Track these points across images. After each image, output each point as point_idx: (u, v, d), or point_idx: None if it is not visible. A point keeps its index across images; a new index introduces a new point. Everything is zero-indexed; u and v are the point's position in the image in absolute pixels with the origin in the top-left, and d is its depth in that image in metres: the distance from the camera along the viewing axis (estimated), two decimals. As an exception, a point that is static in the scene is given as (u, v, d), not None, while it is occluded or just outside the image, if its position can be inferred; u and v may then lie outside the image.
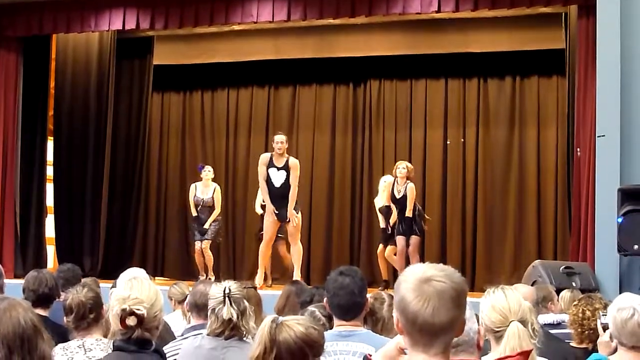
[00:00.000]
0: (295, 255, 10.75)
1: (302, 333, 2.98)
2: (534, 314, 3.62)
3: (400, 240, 10.86)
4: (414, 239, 10.80)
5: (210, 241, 11.74)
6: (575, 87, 10.24)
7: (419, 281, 2.21)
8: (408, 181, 10.87)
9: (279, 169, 10.46)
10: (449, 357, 2.25)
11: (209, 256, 11.74)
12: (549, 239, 12.56)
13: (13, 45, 12.42)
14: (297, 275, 10.29)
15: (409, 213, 10.74)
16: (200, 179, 11.86)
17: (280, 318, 3.04)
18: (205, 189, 11.76)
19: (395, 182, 10.91)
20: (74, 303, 4.20)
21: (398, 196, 10.83)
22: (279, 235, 11.14)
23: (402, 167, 10.92)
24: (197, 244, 11.75)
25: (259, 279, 10.64)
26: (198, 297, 4.54)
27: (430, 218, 11.57)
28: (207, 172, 11.80)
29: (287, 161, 10.46)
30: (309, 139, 13.88)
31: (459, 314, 2.23)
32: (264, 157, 10.62)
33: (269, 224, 10.61)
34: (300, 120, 14.00)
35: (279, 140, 10.48)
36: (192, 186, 11.94)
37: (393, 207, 10.97)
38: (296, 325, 3.00)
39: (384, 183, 11.46)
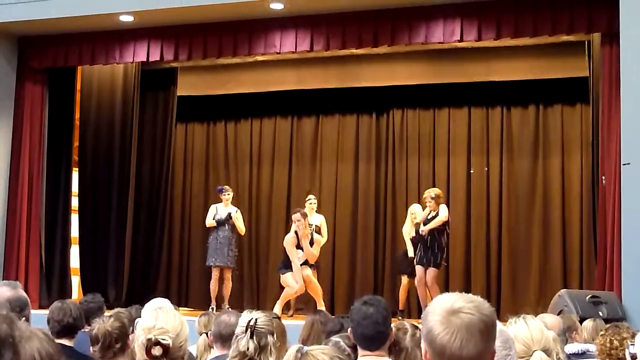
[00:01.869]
0: (312, 293, 11.05)
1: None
2: (559, 343, 3.58)
3: (419, 270, 10.87)
4: (431, 271, 10.77)
5: (231, 270, 11.80)
6: (600, 115, 10.19)
7: (447, 313, 2.19)
8: (440, 205, 10.89)
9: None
10: None
11: (229, 286, 11.82)
12: (574, 267, 12.46)
13: (39, 77, 12.55)
14: (320, 306, 10.28)
15: (436, 222, 10.78)
16: (220, 201, 12.01)
17: (305, 348, 3.03)
18: (225, 208, 11.88)
19: (430, 211, 10.92)
20: (100, 333, 4.21)
21: (429, 217, 10.87)
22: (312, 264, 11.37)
23: (429, 199, 10.95)
24: (215, 272, 11.82)
25: (277, 310, 10.61)
26: (223, 327, 4.52)
27: (445, 264, 11.51)
28: (227, 194, 12.01)
29: (311, 238, 10.99)
30: (332, 169, 13.90)
31: (487, 346, 2.21)
32: (291, 239, 10.98)
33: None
34: (323, 150, 14.02)
35: (294, 219, 10.96)
36: (212, 207, 12.20)
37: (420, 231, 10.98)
38: (321, 354, 2.98)
39: (413, 212, 11.46)
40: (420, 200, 11.95)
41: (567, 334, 5.76)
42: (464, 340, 2.15)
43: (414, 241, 11.34)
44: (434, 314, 2.22)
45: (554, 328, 5.20)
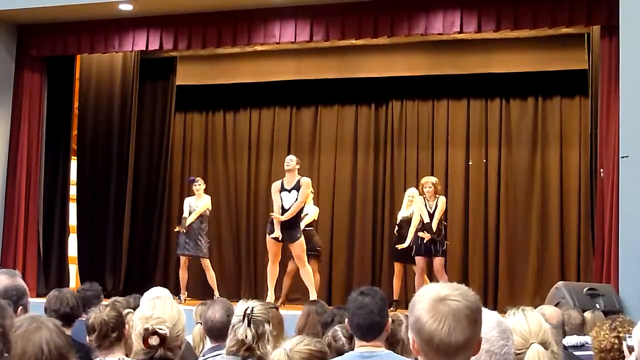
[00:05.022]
0: (304, 277, 10.65)
1: (311, 349, 3.31)
2: (556, 336, 3.57)
3: (419, 261, 10.86)
4: (438, 260, 10.78)
5: (208, 259, 11.84)
6: (598, 108, 10.19)
7: (433, 301, 2.23)
8: (437, 196, 10.88)
9: (289, 190, 10.48)
10: None
11: (212, 275, 11.90)
12: (572, 260, 12.48)
13: (38, 66, 12.53)
14: (312, 296, 10.23)
15: (434, 225, 10.74)
16: (193, 193, 12.09)
17: (287, 347, 3.33)
18: (198, 201, 11.91)
19: (426, 201, 10.91)
20: (96, 322, 4.21)
21: (431, 211, 10.86)
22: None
23: (429, 185, 10.89)
24: (183, 260, 11.94)
25: (268, 299, 10.57)
26: (210, 324, 4.54)
27: (448, 243, 11.42)
28: (199, 185, 12.01)
29: (298, 181, 10.47)
30: (330, 159, 13.89)
31: (475, 332, 2.24)
32: (275, 185, 10.69)
33: (271, 244, 10.58)
34: (322, 141, 14.02)
35: (287, 160, 10.57)
36: (185, 200, 12.17)
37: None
38: (303, 347, 3.31)
39: (412, 195, 11.46)
40: (418, 188, 11.98)
41: (566, 326, 5.74)
42: (452, 326, 2.19)
43: (403, 226, 11.43)
44: (421, 303, 2.25)
45: (553, 319, 5.21)
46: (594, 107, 10.66)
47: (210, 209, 12.15)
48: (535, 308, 3.49)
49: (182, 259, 11.98)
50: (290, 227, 10.39)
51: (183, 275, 11.99)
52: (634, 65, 9.16)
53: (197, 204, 11.93)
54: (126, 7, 11.48)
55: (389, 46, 12.61)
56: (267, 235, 10.56)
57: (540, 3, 10.28)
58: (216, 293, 11.63)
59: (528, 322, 3.35)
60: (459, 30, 10.60)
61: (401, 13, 10.79)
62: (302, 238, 10.53)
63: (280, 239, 10.35)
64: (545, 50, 12.30)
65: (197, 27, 11.61)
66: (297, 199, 10.36)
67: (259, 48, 12.61)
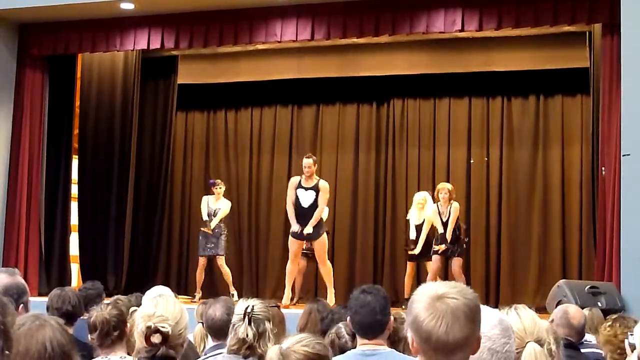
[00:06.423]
0: (325, 275, 10.87)
1: (308, 351, 3.12)
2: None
3: (436, 260, 10.95)
4: (456, 261, 10.90)
5: (224, 257, 11.84)
6: (600, 106, 10.17)
7: (431, 299, 2.22)
8: (451, 202, 10.97)
9: (307, 189, 10.53)
10: None
11: (227, 272, 11.91)
12: (573, 258, 12.47)
13: (39, 65, 12.52)
14: (330, 294, 10.52)
15: (449, 234, 10.89)
16: (212, 193, 12.11)
17: (284, 346, 3.15)
18: (217, 202, 11.96)
19: (439, 206, 11.01)
20: (98, 320, 4.21)
21: (444, 219, 11.00)
22: (307, 251, 11.22)
23: (445, 192, 11.06)
24: (202, 260, 11.95)
25: (285, 298, 10.65)
26: (210, 322, 4.55)
27: (466, 240, 11.56)
28: (219, 189, 12.07)
29: (317, 183, 10.56)
30: (332, 158, 13.88)
31: (473, 330, 2.24)
32: (293, 181, 10.76)
33: (292, 242, 10.68)
34: (323, 140, 14.01)
35: (306, 164, 10.61)
36: (204, 198, 12.21)
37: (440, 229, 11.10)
38: (300, 347, 3.13)
39: (423, 199, 11.51)
40: (420, 189, 12.02)
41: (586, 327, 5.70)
42: (450, 324, 2.19)
43: (418, 230, 11.50)
44: (419, 302, 2.24)
45: (574, 319, 5.20)
46: (595, 105, 10.66)
47: (228, 213, 12.18)
48: (537, 307, 3.49)
49: (201, 261, 11.99)
50: (315, 225, 10.52)
51: (200, 276, 12.00)
52: (635, 63, 9.15)
53: (217, 205, 11.95)
54: (127, 6, 11.47)
55: (391, 44, 12.61)
56: (290, 236, 10.72)
57: (542, 1, 10.26)
58: (232, 289, 11.67)
59: (522, 321, 3.33)
60: (460, 28, 10.60)
61: (403, 11, 10.78)
62: (325, 235, 10.73)
63: (304, 234, 10.49)
64: (547, 49, 12.30)
65: (199, 26, 11.60)
66: (315, 202, 10.48)
67: (260, 47, 12.62)
